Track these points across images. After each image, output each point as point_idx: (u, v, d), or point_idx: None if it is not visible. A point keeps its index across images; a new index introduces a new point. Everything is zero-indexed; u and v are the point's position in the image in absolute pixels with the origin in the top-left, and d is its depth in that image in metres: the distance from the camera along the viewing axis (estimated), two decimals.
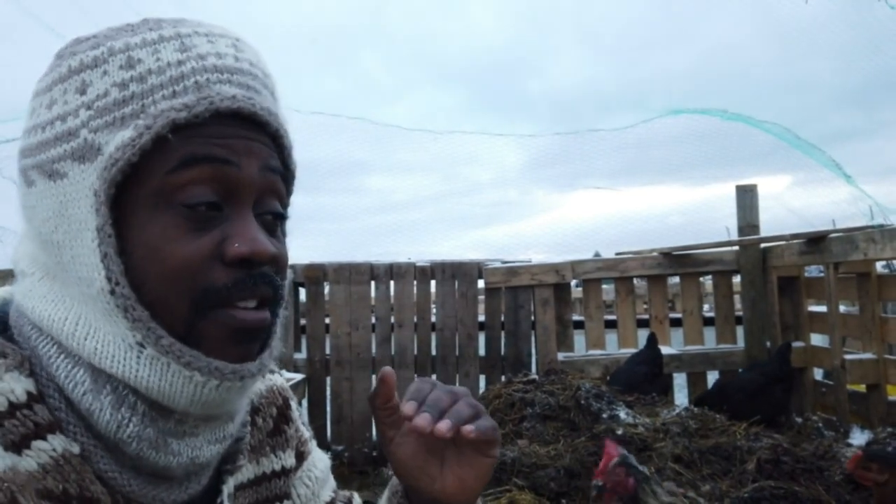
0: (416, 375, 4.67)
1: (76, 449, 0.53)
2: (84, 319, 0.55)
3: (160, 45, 0.57)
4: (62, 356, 0.56)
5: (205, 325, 0.55)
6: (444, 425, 0.61)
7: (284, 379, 0.83)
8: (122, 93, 0.55)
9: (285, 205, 0.64)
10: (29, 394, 0.53)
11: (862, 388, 3.73)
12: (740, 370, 4.25)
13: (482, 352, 4.71)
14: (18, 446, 0.50)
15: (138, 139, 0.53)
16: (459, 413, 0.62)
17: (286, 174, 0.63)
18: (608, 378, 4.06)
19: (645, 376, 3.76)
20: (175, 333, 0.54)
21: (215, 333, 0.55)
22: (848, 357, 3.70)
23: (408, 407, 0.62)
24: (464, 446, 0.66)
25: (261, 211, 0.60)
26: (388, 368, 0.68)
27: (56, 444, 0.52)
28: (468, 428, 0.61)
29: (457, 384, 4.63)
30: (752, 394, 3.59)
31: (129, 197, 0.54)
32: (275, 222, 0.61)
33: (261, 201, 0.60)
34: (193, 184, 0.55)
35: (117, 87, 0.55)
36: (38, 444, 0.51)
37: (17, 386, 0.52)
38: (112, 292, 0.53)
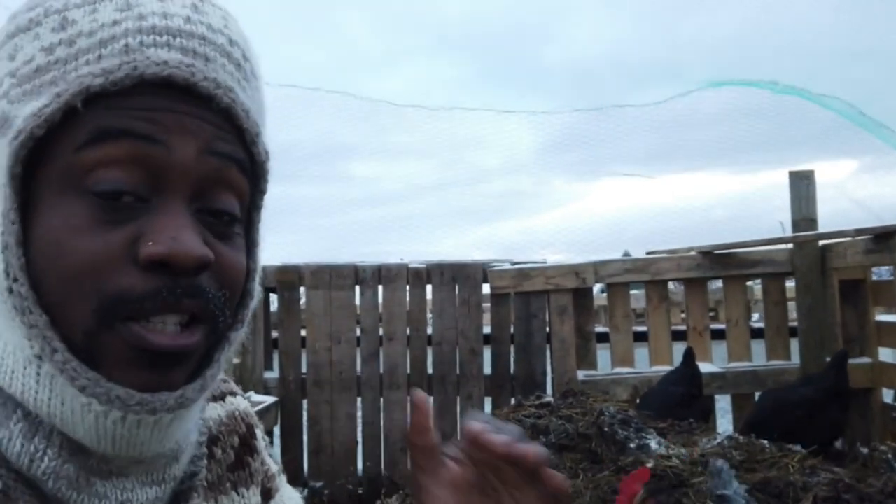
0: (408, 398, 4.67)
1: None
2: None
3: (100, 4, 0.56)
4: None
5: (108, 340, 0.52)
6: (531, 449, 0.60)
7: (250, 402, 0.83)
8: (48, 58, 0.55)
9: (249, 202, 0.62)
10: None
11: None
12: (788, 387, 4.24)
13: (488, 370, 4.71)
14: None
15: (45, 108, 0.52)
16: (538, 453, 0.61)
17: (249, 164, 0.60)
18: (637, 401, 4.06)
19: (681, 399, 3.76)
20: (74, 347, 0.52)
21: (119, 353, 0.53)
22: None
23: (475, 426, 0.61)
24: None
25: (204, 206, 0.57)
26: (419, 391, 0.65)
27: None
28: (556, 482, 0.61)
29: (458, 408, 4.66)
30: (807, 414, 3.59)
31: (37, 178, 0.54)
32: (226, 223, 0.59)
33: (204, 194, 0.57)
34: (106, 165, 0.53)
35: (44, 52, 0.55)
36: None
37: None
38: (10, 290, 0.52)
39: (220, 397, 0.78)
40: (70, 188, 0.53)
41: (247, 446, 0.77)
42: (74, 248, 0.52)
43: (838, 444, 4.02)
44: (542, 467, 0.61)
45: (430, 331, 4.77)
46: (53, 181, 0.53)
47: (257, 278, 0.63)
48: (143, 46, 0.55)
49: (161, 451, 0.57)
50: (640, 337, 4.72)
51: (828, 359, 4.39)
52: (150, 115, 0.54)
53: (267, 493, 0.80)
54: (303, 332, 4.78)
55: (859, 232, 3.95)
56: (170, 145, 0.54)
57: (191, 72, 0.55)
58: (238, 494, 0.74)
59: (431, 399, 0.61)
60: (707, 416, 4.04)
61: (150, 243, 0.52)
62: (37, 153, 0.53)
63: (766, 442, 3.34)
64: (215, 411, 0.75)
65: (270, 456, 0.83)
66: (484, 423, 0.62)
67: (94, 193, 0.53)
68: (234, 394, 0.80)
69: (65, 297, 0.52)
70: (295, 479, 4.45)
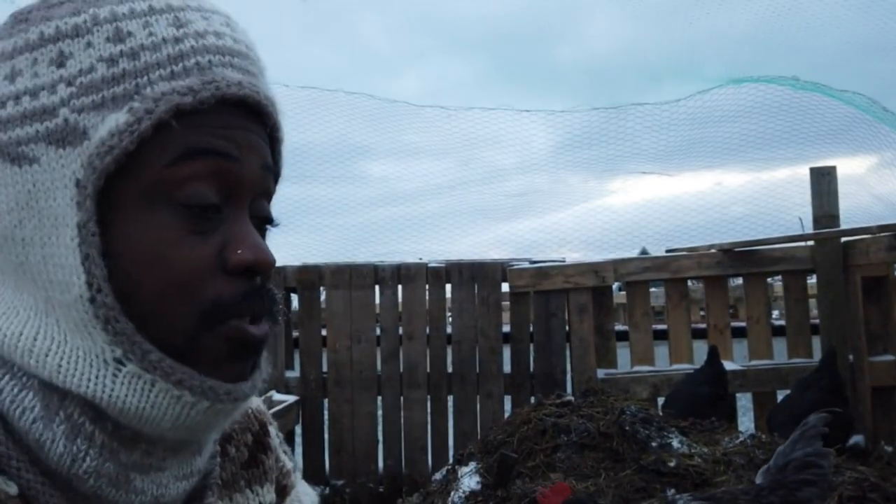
0: (428, 397, 4.68)
1: (14, 489, 0.53)
2: (45, 332, 0.55)
3: (151, 18, 0.57)
4: (7, 378, 0.56)
5: (207, 340, 0.56)
6: None
7: (271, 402, 0.83)
8: (112, 69, 0.55)
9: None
10: None
11: None
12: (792, 396, 4.21)
13: (507, 368, 4.71)
14: None
15: (137, 125, 0.54)
16: None
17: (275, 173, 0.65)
18: (662, 403, 4.04)
19: (708, 399, 3.73)
20: (168, 348, 0.55)
21: (218, 349, 0.57)
22: None
23: None
24: None
25: (253, 213, 0.61)
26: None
27: None
28: None
29: (477, 406, 4.66)
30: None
31: (116, 190, 0.55)
32: (263, 227, 0.63)
33: (255, 202, 0.61)
34: (194, 180, 0.56)
35: (105, 63, 0.55)
36: None
37: None
38: (92, 300, 0.53)
39: None
40: (159, 202, 0.55)
41: (260, 444, 0.77)
42: (174, 259, 0.55)
43: (860, 440, 3.98)
44: None
45: (449, 330, 4.78)
46: (139, 194, 0.55)
47: None
48: (213, 66, 0.58)
49: (206, 437, 0.62)
50: (660, 335, 4.70)
51: (850, 357, 4.35)
52: (228, 133, 0.58)
53: (282, 490, 0.80)
54: (323, 332, 4.80)
55: (882, 228, 3.91)
56: (243, 161, 0.59)
57: (256, 91, 0.59)
58: (252, 492, 0.74)
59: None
60: (733, 416, 4.01)
61: (238, 251, 0.57)
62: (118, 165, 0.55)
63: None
64: None
65: (285, 453, 0.84)
66: None
67: (185, 206, 0.56)
68: None
69: (164, 305, 0.55)
70: (316, 478, 4.47)
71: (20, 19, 0.59)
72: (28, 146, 0.55)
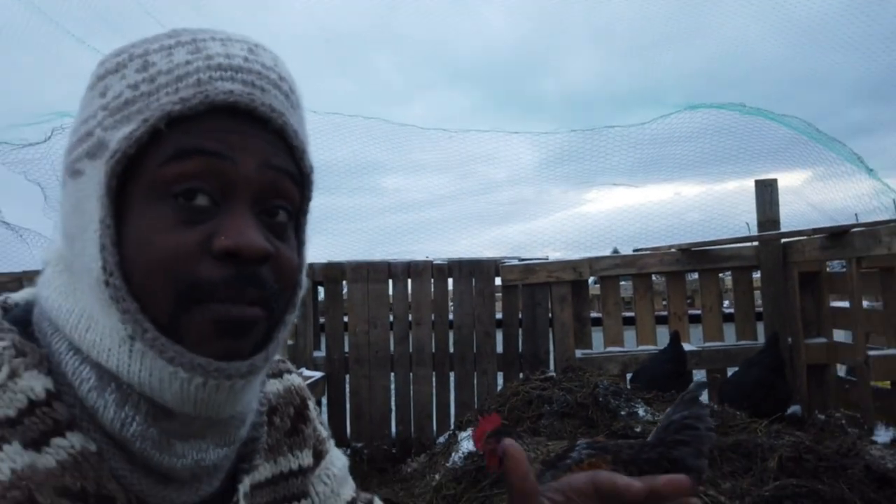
0: (433, 373, 4.68)
1: (93, 447, 0.53)
2: (87, 312, 0.55)
3: (174, 49, 0.58)
4: (71, 352, 0.56)
5: (188, 318, 0.53)
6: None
7: (303, 377, 0.83)
8: (133, 93, 0.56)
9: (299, 208, 0.62)
10: (48, 391, 0.53)
11: (886, 384, 3.67)
12: (741, 372, 4.20)
13: (500, 349, 4.70)
14: (38, 444, 0.50)
15: (135, 131, 0.54)
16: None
17: (297, 176, 0.61)
18: (630, 376, 4.03)
19: (669, 375, 3.73)
20: (160, 327, 0.53)
21: (198, 327, 0.53)
22: (871, 353, 3.63)
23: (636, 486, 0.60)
24: None
25: (264, 210, 0.58)
26: (510, 443, 0.64)
27: (75, 441, 0.52)
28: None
29: (475, 382, 4.65)
30: (765, 394, 3.58)
31: (128, 191, 0.55)
32: (282, 224, 0.59)
33: (263, 200, 0.58)
34: (185, 177, 0.54)
35: (130, 88, 0.56)
36: (57, 441, 0.51)
37: (36, 384, 0.53)
38: (107, 283, 0.53)
39: (277, 374, 0.78)
40: (155, 196, 0.54)
41: (301, 416, 0.77)
42: (159, 242, 0.53)
43: (797, 410, 3.98)
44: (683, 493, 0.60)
45: (451, 317, 4.77)
46: (142, 192, 0.55)
47: (304, 271, 0.64)
48: (212, 80, 0.56)
49: (233, 414, 0.57)
50: (629, 321, 4.68)
51: (790, 339, 4.34)
52: (220, 135, 0.56)
53: (318, 455, 0.80)
54: (345, 318, 4.80)
55: (816, 231, 3.90)
56: (236, 160, 0.56)
57: (251, 98, 0.57)
58: (293, 456, 0.74)
59: (521, 448, 0.59)
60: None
61: (222, 237, 0.54)
62: (128, 170, 0.55)
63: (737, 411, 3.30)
64: (274, 386, 0.76)
65: (321, 424, 0.83)
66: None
67: (174, 196, 0.54)
68: (290, 371, 0.80)
69: (150, 285, 0.53)
70: (339, 441, 4.46)
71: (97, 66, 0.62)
72: (79, 163, 0.57)
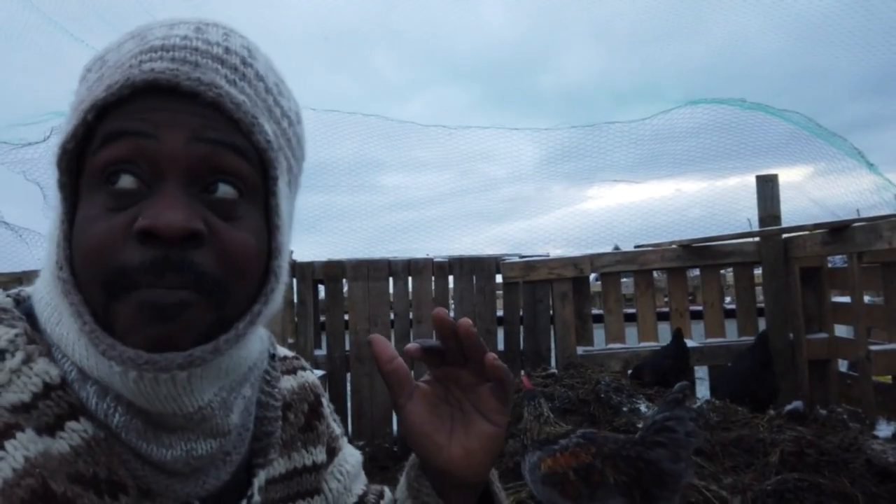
0: None
1: (102, 433, 0.53)
2: (56, 306, 0.56)
3: (125, 43, 0.58)
4: (55, 346, 0.57)
5: (117, 308, 0.51)
6: (465, 321, 0.62)
7: (315, 376, 0.83)
8: (85, 91, 0.58)
9: (259, 187, 0.58)
10: (62, 377, 0.54)
11: (888, 379, 3.67)
12: (733, 367, 4.22)
13: (501, 347, 4.70)
14: (52, 428, 0.51)
15: (69, 126, 0.55)
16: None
17: (248, 150, 0.56)
18: (630, 372, 4.04)
19: (671, 371, 3.74)
20: (97, 318, 0.52)
21: (127, 318, 0.51)
22: (873, 348, 3.64)
23: (411, 347, 0.63)
24: (471, 413, 0.66)
25: (203, 189, 0.55)
26: (375, 335, 0.67)
27: (87, 425, 0.53)
28: (490, 357, 0.63)
29: None
30: (757, 387, 3.61)
31: (80, 186, 0.56)
32: (227, 202, 0.55)
33: (198, 177, 0.54)
34: (112, 162, 0.53)
35: (87, 89, 0.58)
36: (71, 424, 0.52)
37: (51, 368, 0.54)
38: (59, 277, 0.54)
39: (292, 371, 0.78)
40: (94, 188, 0.54)
41: (315, 412, 0.78)
42: (88, 232, 0.53)
43: (799, 405, 3.98)
44: (485, 355, 0.63)
45: (452, 314, 4.76)
46: (85, 185, 0.55)
47: (282, 257, 0.60)
48: (140, 63, 0.55)
49: (200, 406, 0.53)
50: (630, 318, 4.69)
51: (791, 335, 4.34)
52: (143, 115, 0.53)
53: (332, 451, 0.80)
54: (346, 317, 4.80)
55: (817, 226, 3.90)
56: (160, 137, 0.53)
57: (174, 75, 0.53)
58: (307, 451, 0.75)
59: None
60: (692, 386, 4.01)
61: (140, 218, 0.51)
62: (78, 166, 0.55)
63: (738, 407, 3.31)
64: (288, 382, 0.76)
65: (335, 421, 0.84)
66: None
67: (104, 184, 0.53)
68: (304, 369, 0.81)
69: (85, 276, 0.53)
70: None
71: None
72: (58, 165, 0.57)
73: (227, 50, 0.58)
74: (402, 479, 0.74)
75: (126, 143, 0.53)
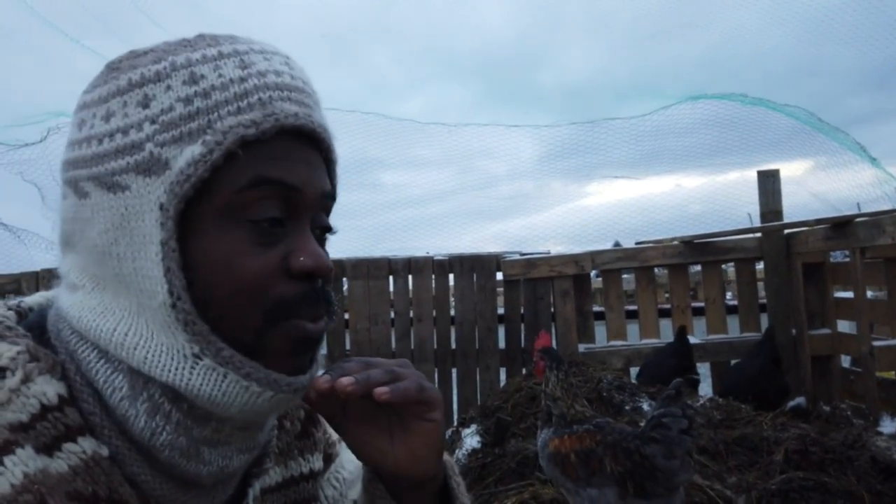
0: (436, 369, 4.67)
1: (105, 452, 0.54)
2: (136, 330, 0.56)
3: (220, 62, 0.58)
4: (102, 362, 0.57)
5: (273, 336, 0.57)
6: (345, 381, 0.59)
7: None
8: (188, 108, 0.56)
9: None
10: (60, 397, 0.54)
11: (891, 375, 3.66)
12: (737, 361, 4.20)
13: (502, 345, 4.69)
14: (50, 448, 0.52)
15: (209, 155, 0.54)
16: (369, 377, 0.60)
17: (332, 189, 0.65)
18: (637, 372, 4.02)
19: (674, 369, 3.72)
20: (238, 345, 0.56)
21: (281, 345, 0.57)
22: (876, 343, 3.62)
23: (320, 381, 0.60)
24: (404, 415, 0.65)
25: (314, 225, 0.62)
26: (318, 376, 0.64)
27: (86, 446, 0.54)
28: (380, 390, 0.59)
29: (477, 377, 4.64)
30: (766, 385, 3.59)
31: (194, 212, 0.55)
32: (323, 235, 0.64)
33: (315, 216, 0.63)
34: (261, 202, 0.57)
35: (182, 103, 0.56)
36: (68, 445, 0.53)
37: (48, 389, 0.54)
38: (173, 306, 0.54)
39: None
40: (231, 220, 0.56)
41: (311, 418, 0.78)
42: (242, 266, 0.56)
43: (802, 402, 3.97)
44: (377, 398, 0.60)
45: (452, 312, 4.76)
46: (214, 215, 0.55)
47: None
48: (273, 101, 0.58)
49: (270, 418, 0.62)
50: (631, 315, 4.68)
51: (793, 331, 4.33)
52: (290, 165, 0.58)
53: (328, 458, 0.80)
54: (346, 316, 4.79)
55: (819, 221, 3.89)
56: (304, 191, 0.59)
57: (311, 120, 0.60)
58: (304, 459, 0.75)
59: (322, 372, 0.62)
60: (696, 385, 4.00)
61: (301, 258, 0.58)
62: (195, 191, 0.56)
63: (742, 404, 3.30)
64: None
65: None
66: (339, 367, 0.63)
67: (252, 222, 0.56)
68: None
69: (236, 307, 0.56)
70: None
71: (112, 68, 0.60)
72: (121, 176, 0.56)
73: (313, 90, 0.64)
74: (360, 486, 0.75)
75: (279, 192, 0.57)
